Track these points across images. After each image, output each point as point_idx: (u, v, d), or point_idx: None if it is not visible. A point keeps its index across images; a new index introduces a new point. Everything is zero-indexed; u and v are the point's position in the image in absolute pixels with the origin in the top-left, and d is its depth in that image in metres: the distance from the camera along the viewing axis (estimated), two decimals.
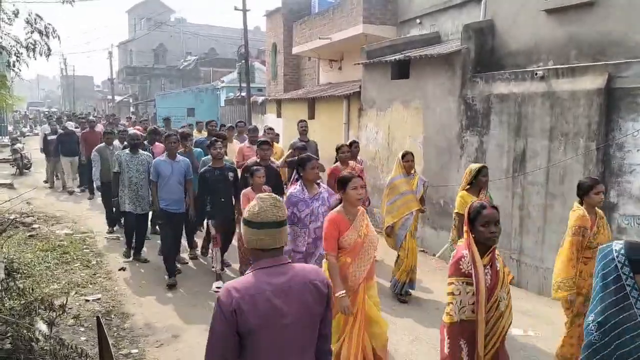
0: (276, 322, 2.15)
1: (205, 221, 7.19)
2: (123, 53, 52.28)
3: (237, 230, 6.52)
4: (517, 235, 6.83)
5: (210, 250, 7.06)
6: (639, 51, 5.83)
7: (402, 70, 9.42)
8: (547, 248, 6.34)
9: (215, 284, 6.45)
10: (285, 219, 2.29)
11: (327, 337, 2.40)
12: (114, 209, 8.60)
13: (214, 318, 2.14)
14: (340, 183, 3.89)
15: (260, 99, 20.73)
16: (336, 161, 7.07)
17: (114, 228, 9.15)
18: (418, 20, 10.98)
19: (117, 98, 46.43)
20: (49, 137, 13.48)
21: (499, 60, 7.84)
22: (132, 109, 39.65)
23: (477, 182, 5.23)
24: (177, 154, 6.82)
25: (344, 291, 3.69)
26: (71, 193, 12.90)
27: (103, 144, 9.23)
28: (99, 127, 13.45)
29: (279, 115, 17.65)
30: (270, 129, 10.22)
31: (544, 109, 6.42)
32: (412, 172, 6.27)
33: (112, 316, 5.59)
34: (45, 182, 14.25)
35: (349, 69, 14.22)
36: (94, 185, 9.88)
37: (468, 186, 5.28)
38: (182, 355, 4.75)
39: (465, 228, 2.97)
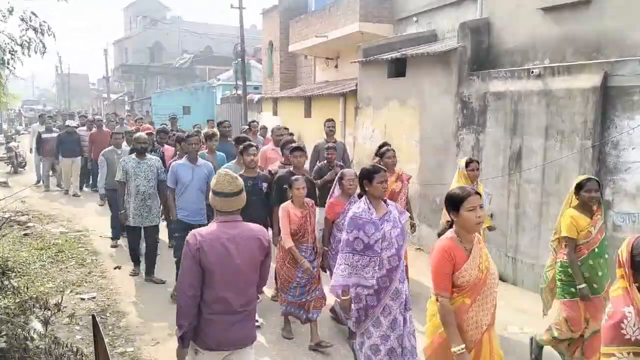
0: (228, 262, 2.96)
1: None
2: (118, 51, 52.05)
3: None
4: (513, 233, 6.84)
5: None
6: (635, 49, 5.84)
7: (398, 68, 9.42)
8: (543, 246, 6.34)
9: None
10: (238, 191, 3.05)
11: (264, 277, 3.25)
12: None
13: (184, 255, 2.96)
14: (453, 203, 3.03)
15: (256, 97, 20.69)
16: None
17: (118, 240, 8.24)
18: (415, 19, 10.98)
19: (113, 96, 46.22)
20: (44, 136, 12.73)
21: (495, 59, 7.85)
22: (127, 107, 39.51)
23: (583, 198, 4.18)
24: (198, 157, 6.02)
25: (462, 345, 2.89)
26: (76, 196, 12.08)
27: (110, 147, 8.34)
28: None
29: (275, 114, 17.63)
30: (285, 128, 8.93)
31: (540, 107, 6.43)
32: (476, 182, 5.41)
33: (108, 314, 5.57)
34: (38, 183, 13.38)
35: (346, 67, 14.21)
36: (99, 193, 9.04)
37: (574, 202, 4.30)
38: None
39: (622, 272, 2.18)
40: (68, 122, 12.94)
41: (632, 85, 5.46)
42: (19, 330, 3.81)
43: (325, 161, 6.75)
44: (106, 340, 3.60)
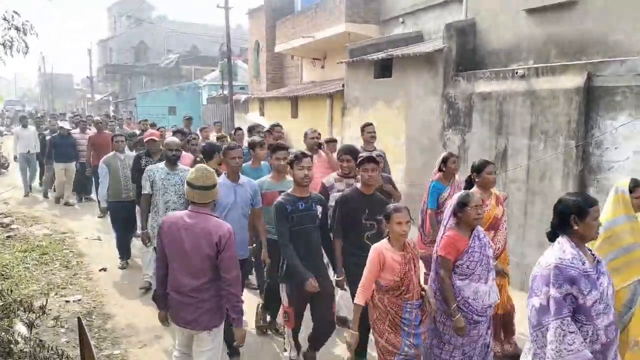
0: (179, 247, 3.32)
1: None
2: (103, 51, 51.54)
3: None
4: None
5: (280, 326, 4.96)
6: (618, 50, 5.93)
7: (385, 69, 9.46)
8: (528, 244, 6.42)
9: None
10: (212, 185, 3.33)
11: (228, 281, 3.30)
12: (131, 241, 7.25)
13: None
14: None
15: (243, 98, 20.65)
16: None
17: (128, 260, 7.30)
18: (401, 19, 11.05)
19: (97, 96, 45.79)
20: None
21: (480, 59, 7.92)
22: (112, 108, 39.14)
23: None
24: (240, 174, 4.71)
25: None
26: (69, 205, 11.05)
27: (112, 153, 7.28)
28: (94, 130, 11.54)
29: (261, 114, 17.61)
30: (316, 131, 6.78)
31: (525, 108, 6.50)
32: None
33: (94, 317, 5.51)
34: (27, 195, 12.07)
35: (332, 68, 14.25)
36: (99, 206, 7.97)
37: None
38: (164, 356, 4.70)
39: None
40: (61, 124, 11.58)
41: (614, 85, 5.54)
42: (3, 333, 3.76)
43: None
44: (92, 343, 3.57)
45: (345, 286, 4.34)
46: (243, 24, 37.90)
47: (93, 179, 10.86)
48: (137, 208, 6.48)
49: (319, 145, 6.29)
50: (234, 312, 3.38)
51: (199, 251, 3.28)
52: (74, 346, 4.60)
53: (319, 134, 6.68)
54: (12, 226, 9.01)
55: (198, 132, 9.96)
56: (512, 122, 6.70)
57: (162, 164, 5.52)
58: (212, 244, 3.25)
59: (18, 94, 78.39)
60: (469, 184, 4.59)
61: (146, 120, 12.26)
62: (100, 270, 7.00)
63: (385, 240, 3.60)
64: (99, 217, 9.66)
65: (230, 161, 4.58)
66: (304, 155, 4.09)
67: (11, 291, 5.16)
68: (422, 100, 8.35)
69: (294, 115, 14.75)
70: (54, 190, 11.53)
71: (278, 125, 7.78)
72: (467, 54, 7.93)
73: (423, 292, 3.58)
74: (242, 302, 3.48)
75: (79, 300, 5.94)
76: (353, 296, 3.78)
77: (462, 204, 3.60)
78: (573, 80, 5.93)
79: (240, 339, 3.48)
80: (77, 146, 10.91)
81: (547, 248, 2.94)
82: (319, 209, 4.16)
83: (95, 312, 5.63)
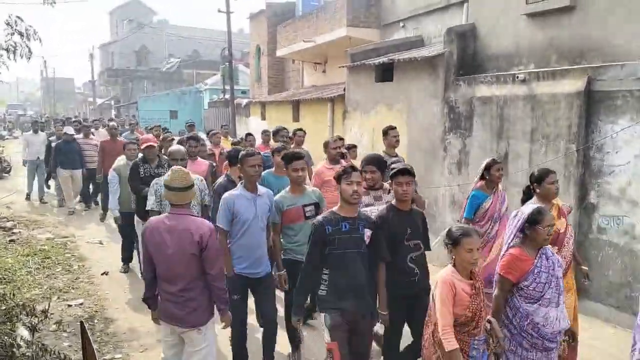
0: (163, 250, 3.37)
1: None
2: (104, 55, 51.70)
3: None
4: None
5: None
6: (618, 55, 5.94)
7: (386, 73, 9.48)
8: None
9: None
10: (188, 186, 3.41)
11: (213, 276, 3.44)
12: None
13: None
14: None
15: (244, 102, 20.69)
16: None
17: (130, 264, 7.26)
18: (401, 24, 11.07)
19: (99, 100, 45.92)
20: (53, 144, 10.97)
21: (481, 64, 7.94)
22: (114, 112, 39.23)
23: None
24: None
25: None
26: (72, 213, 10.60)
27: (123, 161, 6.84)
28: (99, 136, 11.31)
29: (263, 118, 17.63)
30: (341, 138, 6.89)
31: (526, 112, 6.52)
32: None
33: (95, 321, 5.53)
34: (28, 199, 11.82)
35: (333, 72, 14.27)
36: (113, 216, 7.18)
37: None
38: None
39: None
40: (66, 129, 10.82)
41: (615, 89, 5.56)
42: (6, 337, 3.78)
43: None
44: (94, 347, 3.58)
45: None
46: (244, 28, 37.95)
47: (91, 186, 11.05)
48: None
49: (342, 156, 5.95)
50: (221, 303, 3.56)
51: (183, 251, 3.36)
52: (75, 350, 4.61)
53: (343, 141, 6.42)
54: (15, 230, 9.04)
55: (205, 137, 9.46)
56: (512, 126, 6.71)
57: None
58: (194, 243, 3.34)
59: (20, 99, 78.56)
60: (527, 195, 4.25)
61: (159, 125, 11.67)
62: (102, 275, 7.02)
63: (450, 268, 3.13)
64: (100, 219, 9.83)
65: (249, 169, 4.16)
66: (353, 169, 3.57)
67: (14, 295, 5.18)
68: (423, 104, 8.37)
69: (296, 119, 14.77)
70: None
71: (300, 129, 7.43)
72: (467, 58, 7.95)
73: (488, 325, 3.15)
74: (227, 292, 3.63)
75: (81, 304, 5.95)
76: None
77: (533, 221, 3.25)
78: (573, 85, 5.95)
79: (227, 323, 3.70)
80: (82, 152, 10.45)
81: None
82: (367, 232, 3.56)
83: (97, 316, 5.64)
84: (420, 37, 10.36)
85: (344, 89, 11.01)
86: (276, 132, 7.50)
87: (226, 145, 9.12)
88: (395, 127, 6.11)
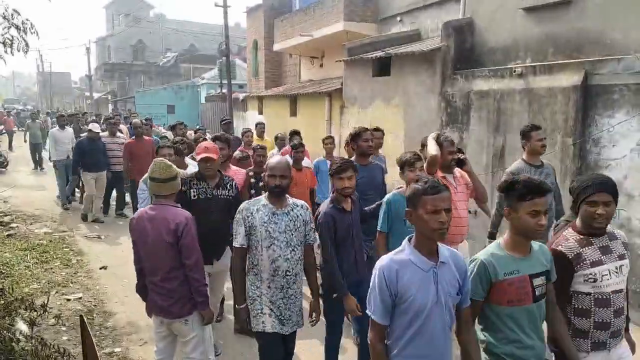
0: (144, 239, 3.45)
1: None
2: (101, 49, 51.45)
3: None
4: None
5: None
6: (615, 48, 5.96)
7: (383, 67, 9.49)
8: None
9: None
10: (170, 177, 3.42)
11: (189, 266, 3.39)
12: None
13: None
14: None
15: (241, 96, 20.67)
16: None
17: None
18: (398, 18, 11.07)
19: (96, 95, 45.74)
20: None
21: (478, 58, 7.95)
22: (111, 106, 39.13)
23: None
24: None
25: None
26: (99, 222, 9.37)
27: None
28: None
29: (260, 113, 17.63)
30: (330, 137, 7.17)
31: (523, 106, 6.54)
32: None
33: (94, 315, 5.54)
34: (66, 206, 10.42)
35: (331, 66, 14.26)
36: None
37: None
38: None
39: None
40: (91, 126, 9.33)
41: (612, 83, 5.58)
42: (5, 332, 3.78)
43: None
44: (94, 341, 3.60)
45: None
46: (241, 22, 37.88)
47: (114, 192, 9.42)
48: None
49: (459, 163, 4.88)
50: (198, 296, 3.47)
51: (160, 240, 3.40)
52: (74, 344, 4.62)
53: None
54: (12, 225, 9.03)
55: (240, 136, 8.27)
56: (509, 120, 6.73)
57: (263, 199, 3.38)
58: (170, 232, 3.36)
59: (16, 93, 78.27)
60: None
61: (184, 125, 9.82)
62: (100, 269, 7.02)
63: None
64: (99, 221, 9.35)
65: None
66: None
67: (12, 290, 5.19)
68: (420, 98, 8.38)
69: (293, 113, 14.77)
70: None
71: (378, 129, 6.09)
72: (465, 52, 7.96)
73: None
74: (206, 285, 3.53)
75: (80, 298, 5.96)
76: None
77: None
78: (570, 79, 5.96)
79: (208, 319, 3.58)
80: (107, 152, 9.21)
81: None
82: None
83: (96, 310, 5.66)
84: (417, 31, 10.36)
85: (342, 83, 11.01)
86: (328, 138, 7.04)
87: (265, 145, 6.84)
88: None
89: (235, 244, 3.35)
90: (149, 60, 45.86)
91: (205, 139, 6.36)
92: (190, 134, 9.62)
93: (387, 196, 4.04)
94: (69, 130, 10.89)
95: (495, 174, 6.94)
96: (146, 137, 8.69)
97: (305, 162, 6.37)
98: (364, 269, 3.80)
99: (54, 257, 7.38)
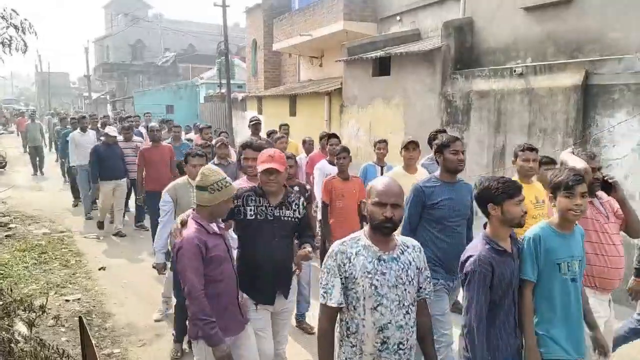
0: None
1: None
2: (99, 49, 51.38)
3: None
4: None
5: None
6: (615, 48, 5.95)
7: (382, 67, 9.48)
8: None
9: None
10: (197, 185, 2.98)
11: (184, 293, 2.98)
12: None
13: None
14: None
15: (240, 96, 20.64)
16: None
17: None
18: (398, 17, 11.05)
19: (94, 95, 45.70)
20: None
21: (478, 58, 7.94)
22: (109, 106, 39.09)
23: None
24: None
25: None
26: (121, 235, 8.51)
27: (183, 181, 4.61)
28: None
29: (259, 112, 17.61)
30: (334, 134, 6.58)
31: (523, 106, 6.52)
32: None
33: (93, 316, 5.51)
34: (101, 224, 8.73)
35: (330, 66, 14.25)
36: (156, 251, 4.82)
37: None
38: (165, 354, 4.71)
39: None
40: (107, 130, 8.55)
41: (612, 83, 5.57)
42: (3, 332, 3.76)
43: None
44: (93, 342, 3.58)
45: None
46: (240, 22, 37.89)
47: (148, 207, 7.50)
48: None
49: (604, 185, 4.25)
50: (191, 331, 2.97)
51: None
52: (74, 345, 4.60)
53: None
54: (11, 225, 9.00)
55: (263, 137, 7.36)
56: (510, 120, 6.72)
57: (362, 238, 2.42)
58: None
59: (15, 93, 78.21)
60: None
61: (210, 128, 9.11)
62: (99, 270, 7.00)
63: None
64: (121, 235, 8.56)
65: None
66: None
67: (11, 290, 5.17)
68: (420, 98, 8.37)
69: (292, 113, 14.75)
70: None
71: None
72: (465, 52, 7.95)
73: None
74: (203, 320, 2.87)
75: (79, 299, 5.94)
76: None
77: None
78: (571, 78, 5.95)
79: (219, 357, 2.89)
80: (124, 159, 8.47)
81: None
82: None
83: (95, 311, 5.63)
84: (417, 30, 10.35)
85: (341, 83, 10.99)
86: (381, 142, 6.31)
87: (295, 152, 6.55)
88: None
89: (329, 301, 2.34)
90: (148, 60, 45.83)
91: (225, 144, 6.16)
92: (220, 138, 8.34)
93: (532, 230, 2.84)
94: (91, 133, 9.94)
95: (495, 173, 6.93)
96: (162, 143, 7.72)
97: (302, 157, 6.11)
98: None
99: (53, 257, 7.35)
